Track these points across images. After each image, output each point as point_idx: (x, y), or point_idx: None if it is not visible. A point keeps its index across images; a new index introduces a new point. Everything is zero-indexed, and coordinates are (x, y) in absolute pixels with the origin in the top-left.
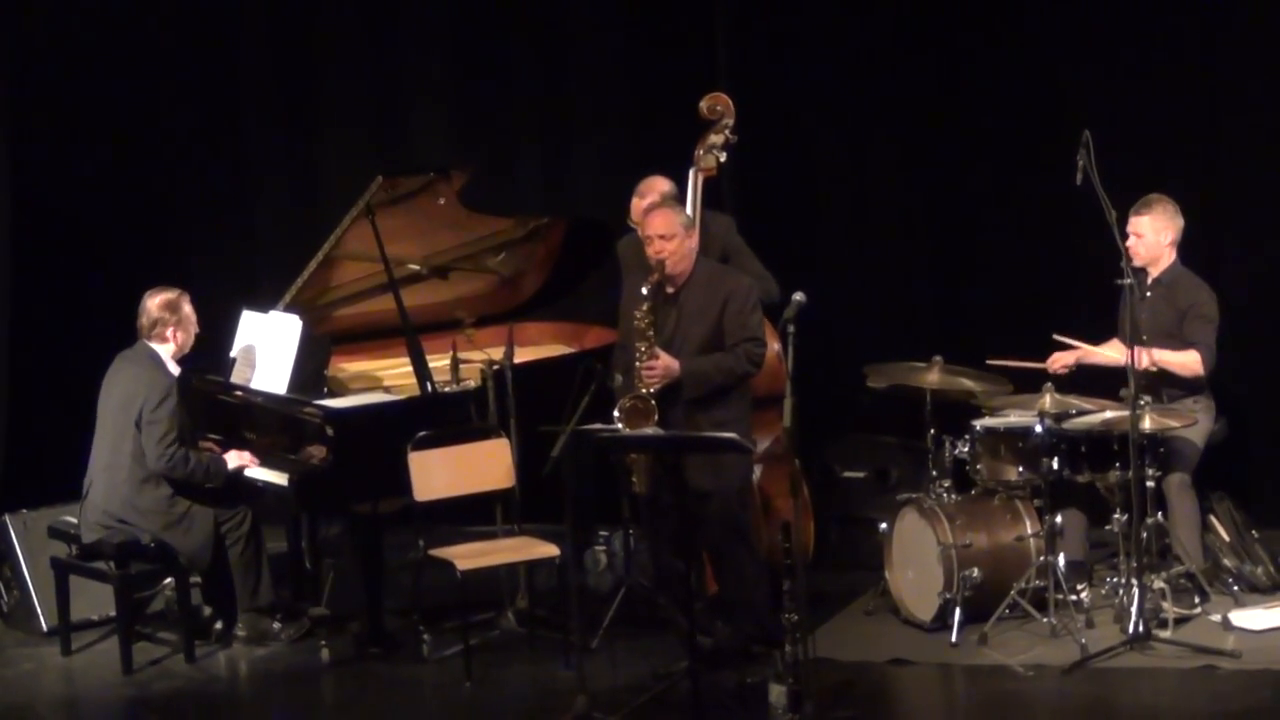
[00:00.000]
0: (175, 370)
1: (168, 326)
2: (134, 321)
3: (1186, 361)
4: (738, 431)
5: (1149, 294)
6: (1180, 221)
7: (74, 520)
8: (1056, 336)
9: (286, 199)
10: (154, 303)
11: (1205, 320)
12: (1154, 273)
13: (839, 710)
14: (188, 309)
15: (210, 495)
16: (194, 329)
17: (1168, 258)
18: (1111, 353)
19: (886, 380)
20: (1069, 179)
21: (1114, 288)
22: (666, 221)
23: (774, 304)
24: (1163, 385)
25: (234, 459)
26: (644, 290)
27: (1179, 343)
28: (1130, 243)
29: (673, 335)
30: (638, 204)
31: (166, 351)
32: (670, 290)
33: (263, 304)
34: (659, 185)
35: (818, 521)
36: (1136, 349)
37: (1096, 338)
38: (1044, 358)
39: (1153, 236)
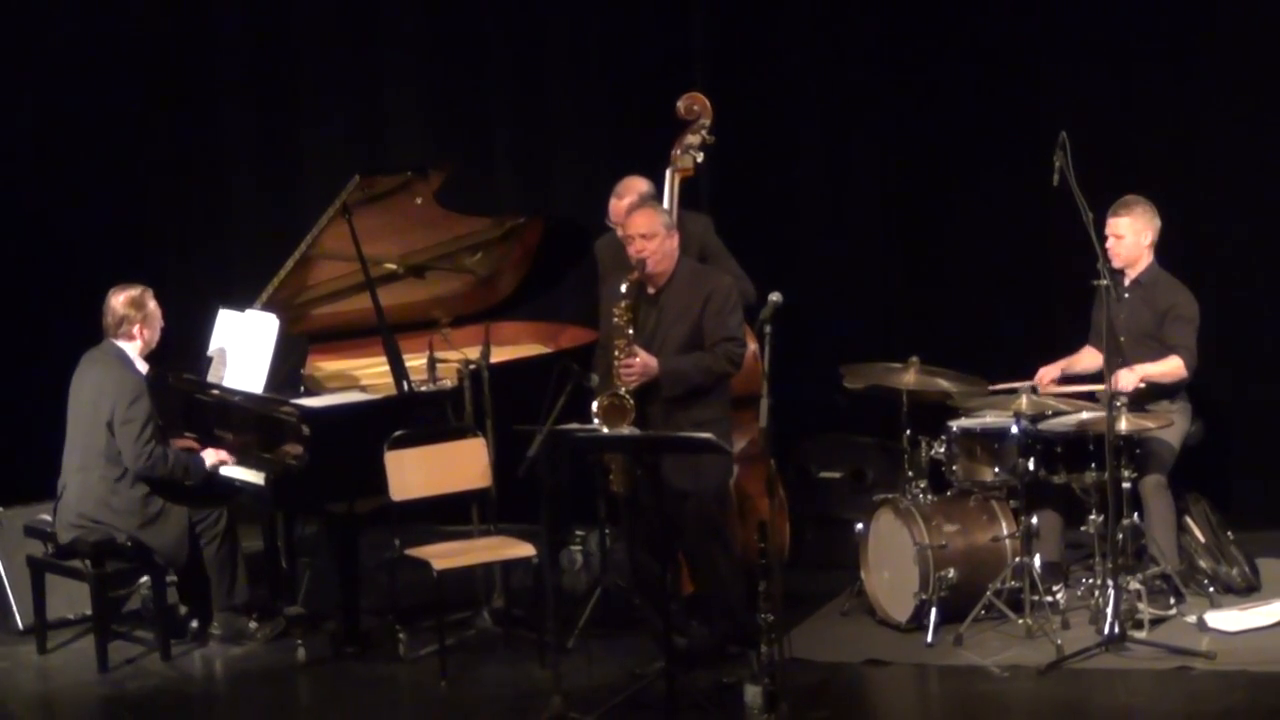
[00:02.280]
0: (143, 368)
1: (134, 324)
2: None
3: (1169, 369)
4: (717, 431)
5: (1127, 295)
6: (1158, 223)
7: (50, 519)
8: (993, 389)
9: (263, 198)
10: (118, 300)
11: (1185, 322)
12: (1132, 274)
13: (814, 711)
14: (153, 305)
15: (187, 494)
16: (160, 325)
17: (1146, 259)
18: (1088, 361)
19: (863, 381)
20: (1046, 180)
21: (1090, 289)
22: (648, 221)
23: (751, 305)
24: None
25: (211, 456)
26: (623, 288)
27: (1158, 344)
28: (1110, 244)
29: (653, 335)
30: (616, 204)
31: (133, 349)
32: (651, 290)
33: (239, 302)
34: (637, 186)
35: (794, 522)
36: (1121, 370)
37: (1073, 339)
38: (1019, 361)
39: (1133, 237)
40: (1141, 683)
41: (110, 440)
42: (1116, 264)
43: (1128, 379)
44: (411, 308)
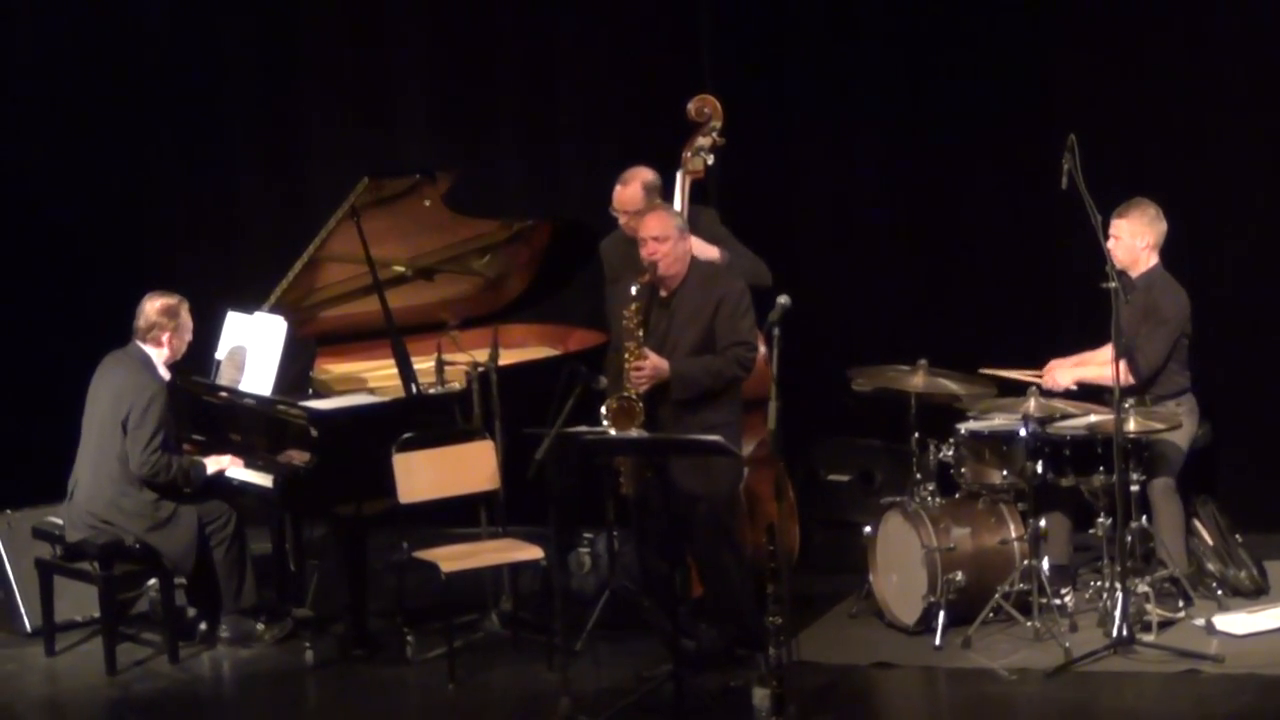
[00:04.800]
0: (166, 375)
1: (164, 331)
2: (119, 322)
3: (1108, 374)
4: (727, 435)
5: (1129, 297)
6: (1162, 226)
7: (59, 521)
8: (983, 371)
9: (272, 200)
10: (153, 306)
11: (1160, 325)
12: (1134, 275)
13: (822, 714)
14: (185, 317)
15: (195, 495)
16: (189, 337)
17: (1146, 261)
18: (1097, 369)
19: (871, 383)
20: (1055, 182)
21: (1100, 291)
22: (661, 224)
23: (768, 289)
24: (1146, 389)
25: (213, 464)
26: (633, 290)
27: None
28: (1110, 244)
29: (664, 338)
30: (620, 191)
31: (159, 356)
32: (663, 293)
33: (248, 305)
34: (642, 174)
35: (802, 524)
36: (1059, 367)
37: (1082, 341)
38: (1029, 364)
39: (1129, 239)
40: (1150, 686)
41: (124, 442)
42: (1116, 265)
43: (1064, 377)
44: (420, 310)
